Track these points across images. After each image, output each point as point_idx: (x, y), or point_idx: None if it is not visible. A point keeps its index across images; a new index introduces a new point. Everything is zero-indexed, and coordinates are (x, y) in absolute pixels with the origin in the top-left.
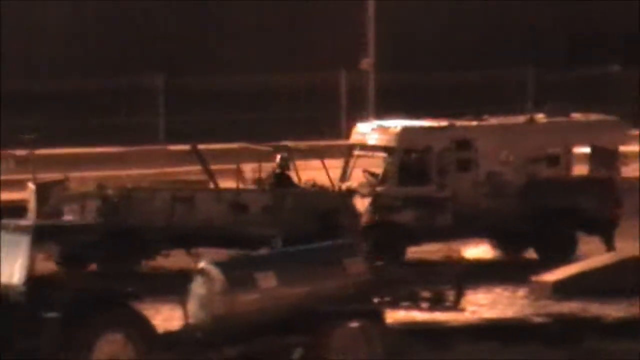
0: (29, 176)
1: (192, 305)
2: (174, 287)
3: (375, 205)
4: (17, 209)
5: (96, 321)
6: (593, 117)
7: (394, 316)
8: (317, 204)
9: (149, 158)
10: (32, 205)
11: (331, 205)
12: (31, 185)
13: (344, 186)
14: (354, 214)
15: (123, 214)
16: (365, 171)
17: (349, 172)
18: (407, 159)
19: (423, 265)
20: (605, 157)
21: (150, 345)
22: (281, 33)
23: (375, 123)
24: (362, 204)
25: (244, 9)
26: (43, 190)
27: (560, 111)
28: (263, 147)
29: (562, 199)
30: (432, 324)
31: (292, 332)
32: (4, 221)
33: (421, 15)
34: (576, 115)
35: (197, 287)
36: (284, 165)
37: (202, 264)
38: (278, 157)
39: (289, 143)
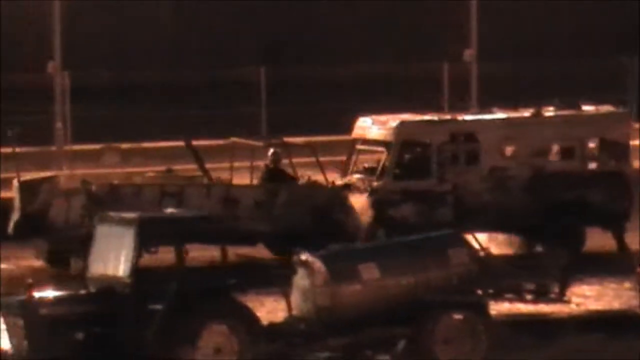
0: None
1: (296, 297)
2: (277, 279)
3: (371, 200)
4: None
5: (201, 312)
6: (603, 109)
7: (498, 308)
8: (310, 199)
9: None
10: (16, 203)
11: (324, 200)
12: (15, 183)
13: (342, 181)
14: (347, 209)
15: (109, 210)
16: (363, 166)
17: (351, 166)
18: (405, 153)
19: (527, 257)
20: (615, 150)
21: (254, 336)
22: (385, 24)
23: (375, 117)
24: (359, 199)
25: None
26: (30, 188)
27: (571, 104)
28: (255, 142)
29: (571, 192)
30: (536, 316)
31: (395, 324)
32: (109, 214)
33: (524, 5)
34: (587, 108)
35: (300, 279)
36: (276, 160)
37: (304, 256)
38: (270, 151)
39: (286, 138)
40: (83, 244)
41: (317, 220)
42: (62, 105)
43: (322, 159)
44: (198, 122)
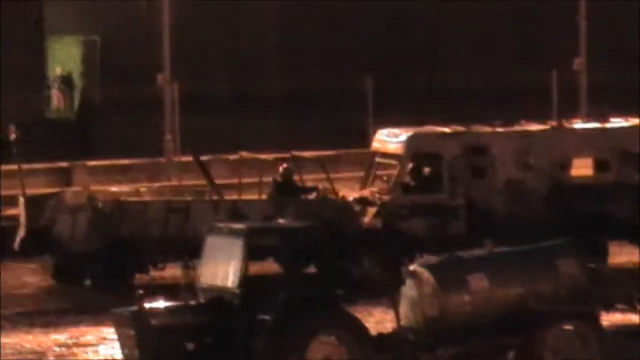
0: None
1: (404, 308)
2: (385, 289)
3: (382, 214)
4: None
5: (310, 323)
6: (629, 122)
7: (610, 318)
8: (319, 214)
9: (359, 160)
10: (22, 219)
11: (333, 214)
12: (21, 199)
13: (357, 195)
14: (357, 223)
15: (115, 226)
16: (382, 178)
17: (369, 179)
18: (416, 166)
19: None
20: (636, 162)
21: (362, 347)
22: (494, 34)
23: (391, 129)
24: (370, 212)
25: (457, 11)
26: (35, 204)
27: (597, 116)
28: (265, 157)
29: (591, 205)
30: None
31: (505, 334)
32: (218, 224)
33: (633, 15)
34: (614, 120)
35: (409, 290)
36: (288, 174)
37: (413, 267)
38: (282, 166)
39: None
40: (91, 260)
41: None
42: (172, 117)
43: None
44: (308, 132)
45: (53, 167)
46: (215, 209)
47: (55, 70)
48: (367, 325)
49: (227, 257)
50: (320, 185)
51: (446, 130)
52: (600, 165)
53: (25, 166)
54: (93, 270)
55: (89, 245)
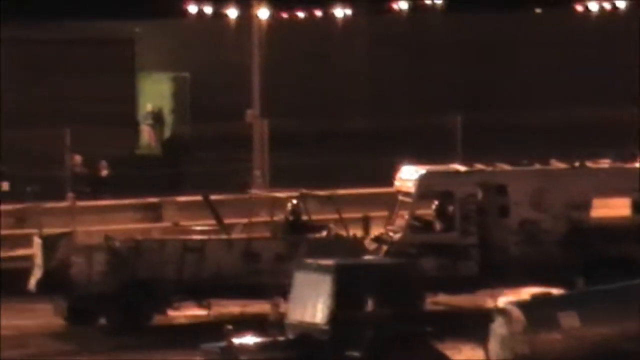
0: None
1: (494, 345)
2: (473, 326)
3: (391, 253)
4: None
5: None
6: None
7: None
8: (330, 252)
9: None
10: (38, 260)
11: (344, 252)
12: (37, 239)
13: (375, 234)
14: None
15: (132, 266)
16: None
17: (394, 218)
18: (427, 204)
19: None
20: None
21: None
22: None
23: (411, 167)
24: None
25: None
26: (52, 245)
27: (625, 156)
28: (276, 195)
29: (614, 247)
30: None
31: None
32: (307, 260)
33: None
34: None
35: (498, 327)
36: (297, 212)
37: (502, 304)
38: (290, 204)
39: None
40: (107, 300)
41: None
42: (261, 153)
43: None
44: (396, 168)
45: (143, 203)
46: (230, 248)
47: (146, 106)
48: None
49: (316, 294)
50: (332, 224)
51: (460, 168)
52: (621, 206)
53: (115, 202)
54: (110, 311)
55: (106, 286)
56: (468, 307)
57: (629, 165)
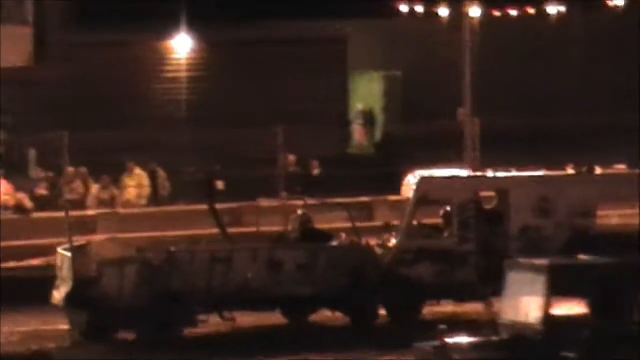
0: None
1: None
2: None
3: (389, 260)
4: None
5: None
6: None
7: None
8: (346, 260)
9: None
10: (65, 272)
11: (358, 261)
12: (62, 251)
13: (379, 241)
14: (379, 269)
15: (165, 279)
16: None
17: (404, 224)
18: (425, 210)
19: None
20: None
21: None
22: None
23: (416, 174)
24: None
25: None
26: (79, 255)
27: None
28: (284, 202)
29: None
30: None
31: None
32: (520, 260)
33: None
34: None
35: None
36: (306, 220)
37: None
38: (298, 212)
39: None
40: (138, 314)
41: (351, 281)
42: (473, 152)
43: None
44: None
45: (354, 202)
46: (255, 258)
47: (357, 105)
48: None
49: (529, 293)
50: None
51: (459, 173)
52: (629, 214)
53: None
54: (140, 325)
55: (138, 299)
56: None
57: (637, 172)
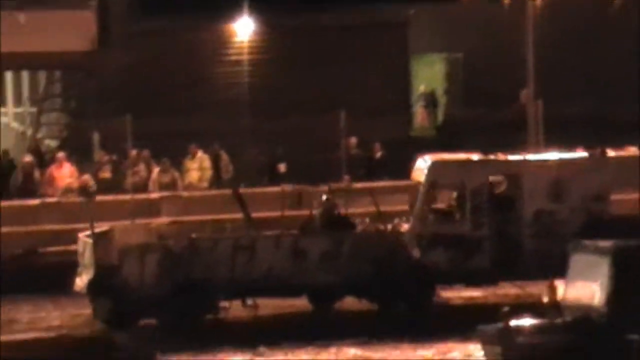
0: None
1: None
2: None
3: (395, 244)
4: None
5: None
6: None
7: None
8: (371, 248)
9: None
10: (87, 259)
11: (383, 248)
12: (83, 237)
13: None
14: (407, 256)
15: (186, 267)
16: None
17: (416, 209)
18: (438, 195)
19: None
20: None
21: None
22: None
23: (428, 157)
24: None
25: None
26: (101, 242)
27: None
28: (305, 188)
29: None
30: None
31: None
32: (585, 242)
33: None
34: None
35: None
36: (330, 206)
37: None
38: (323, 198)
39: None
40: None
41: (377, 269)
42: (536, 135)
43: None
44: None
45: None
46: (277, 245)
47: (419, 88)
48: None
49: (594, 275)
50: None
51: (472, 157)
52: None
53: (389, 183)
54: (162, 313)
55: (159, 287)
56: None
57: None
